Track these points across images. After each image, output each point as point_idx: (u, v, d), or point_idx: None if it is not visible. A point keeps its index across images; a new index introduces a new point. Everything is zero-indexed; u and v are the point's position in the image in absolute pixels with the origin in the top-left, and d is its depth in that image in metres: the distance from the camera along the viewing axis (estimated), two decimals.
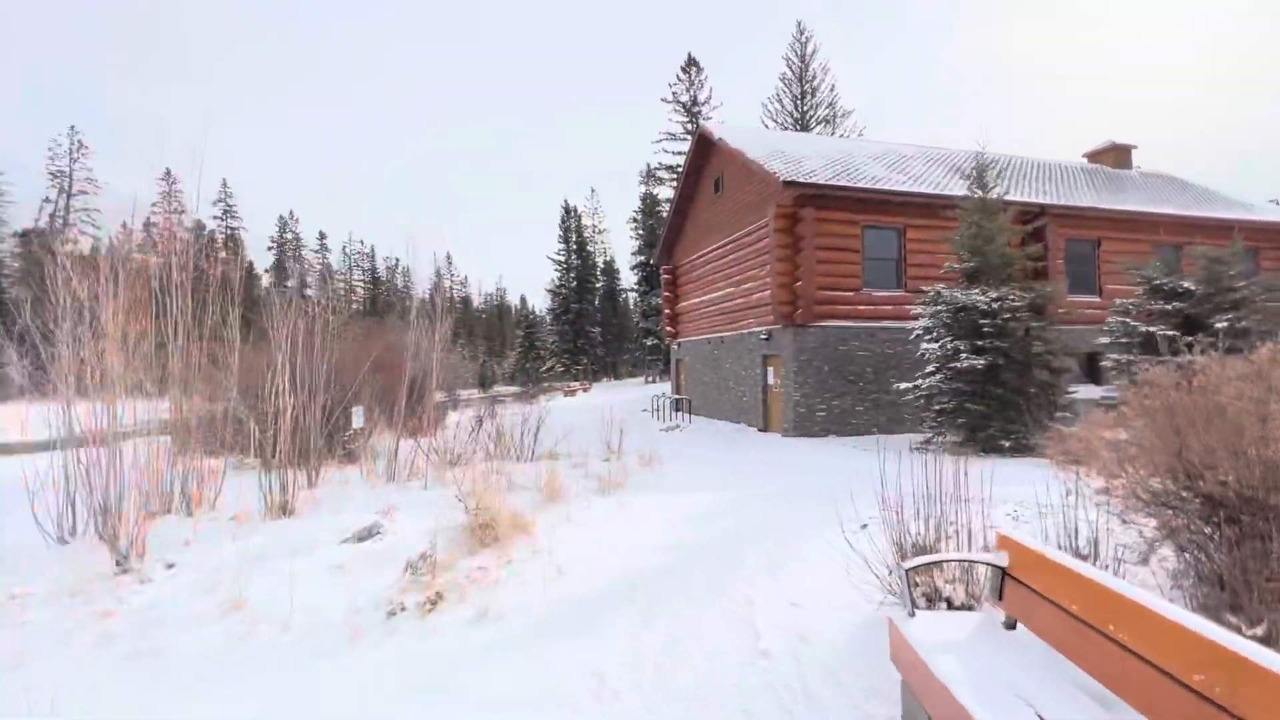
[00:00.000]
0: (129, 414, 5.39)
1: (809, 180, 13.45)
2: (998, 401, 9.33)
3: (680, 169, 20.30)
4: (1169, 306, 9.03)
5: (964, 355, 9.12)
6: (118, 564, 4.43)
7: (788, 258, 13.81)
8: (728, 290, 17.28)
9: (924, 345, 10.12)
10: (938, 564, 3.39)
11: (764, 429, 15.10)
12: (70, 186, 59.17)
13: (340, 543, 4.62)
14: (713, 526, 5.34)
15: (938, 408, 9.89)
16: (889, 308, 14.32)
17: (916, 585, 3.39)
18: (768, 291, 14.71)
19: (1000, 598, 2.75)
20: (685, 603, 3.89)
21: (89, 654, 3.51)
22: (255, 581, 4.08)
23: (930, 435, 10.70)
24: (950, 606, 3.36)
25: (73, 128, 59.59)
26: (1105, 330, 9.78)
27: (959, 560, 3.28)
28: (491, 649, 3.43)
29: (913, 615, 2.72)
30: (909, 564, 2.89)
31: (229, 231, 63.37)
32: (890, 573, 3.64)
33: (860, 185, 13.70)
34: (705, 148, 18.73)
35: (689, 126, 34.33)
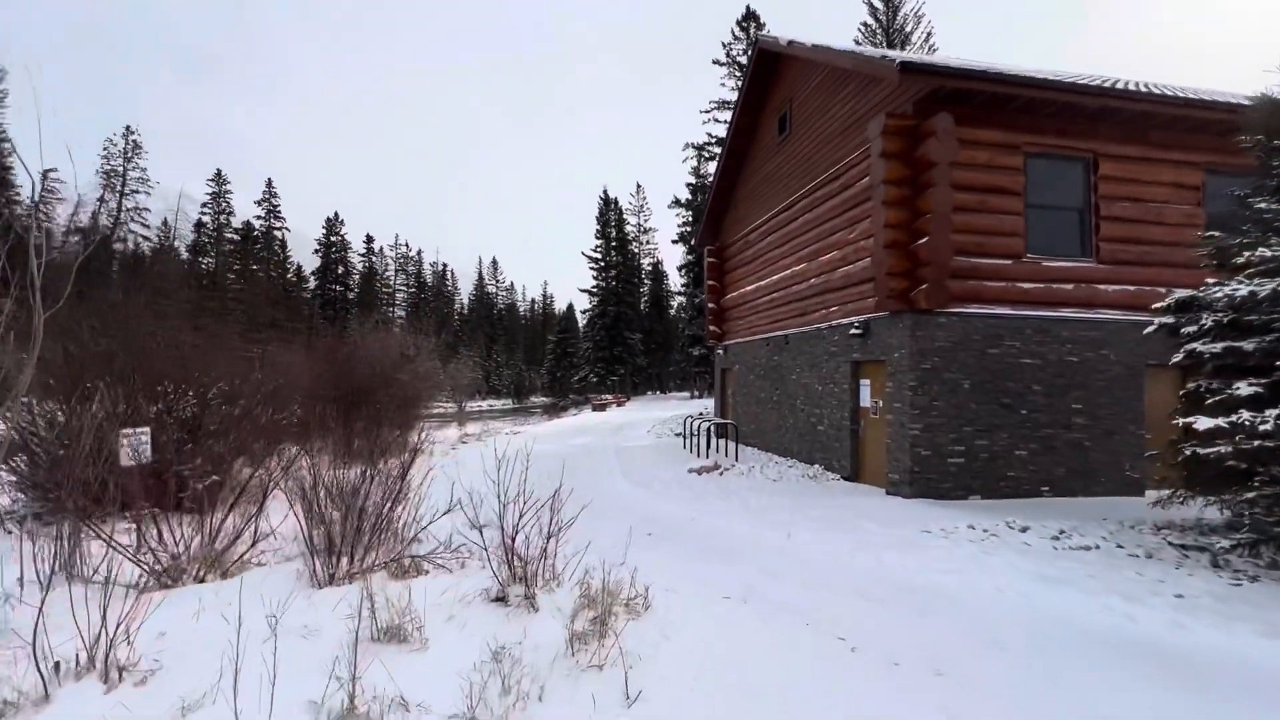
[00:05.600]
0: None
1: (944, 65, 8.04)
2: None
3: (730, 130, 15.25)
4: None
5: None
6: None
7: (903, 201, 8.39)
8: (797, 268, 11.93)
9: None
10: None
11: (853, 477, 9.62)
12: (123, 186, 59.40)
13: None
14: None
15: None
16: (1070, 287, 8.66)
17: None
18: (865, 261, 9.31)
19: None
20: None
21: None
22: None
23: (1246, 519, 5.06)
24: None
25: (128, 128, 60.03)
26: None
27: None
28: None
29: None
30: None
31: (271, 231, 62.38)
32: None
33: (1031, 75, 8.15)
34: (766, 73, 13.52)
35: None
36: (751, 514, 7.39)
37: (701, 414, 16.48)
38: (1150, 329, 6.81)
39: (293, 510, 4.00)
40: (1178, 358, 6.25)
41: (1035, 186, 8.72)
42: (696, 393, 39.14)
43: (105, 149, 58.70)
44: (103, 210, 56.59)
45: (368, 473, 4.12)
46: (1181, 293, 6.65)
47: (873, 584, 4.44)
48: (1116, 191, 8.88)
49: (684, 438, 14.53)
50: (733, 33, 29.55)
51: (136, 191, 59.29)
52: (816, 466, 10.48)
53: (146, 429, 5.92)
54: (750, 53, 13.73)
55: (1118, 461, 8.65)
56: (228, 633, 2.75)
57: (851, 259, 9.81)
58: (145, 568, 3.89)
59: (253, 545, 4.27)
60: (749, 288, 14.55)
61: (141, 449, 5.68)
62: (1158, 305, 6.78)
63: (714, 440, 13.56)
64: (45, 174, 54.08)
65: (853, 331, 9.43)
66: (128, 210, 58.83)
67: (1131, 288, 8.80)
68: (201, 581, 4.01)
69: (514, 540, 3.43)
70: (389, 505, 4.15)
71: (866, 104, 9.54)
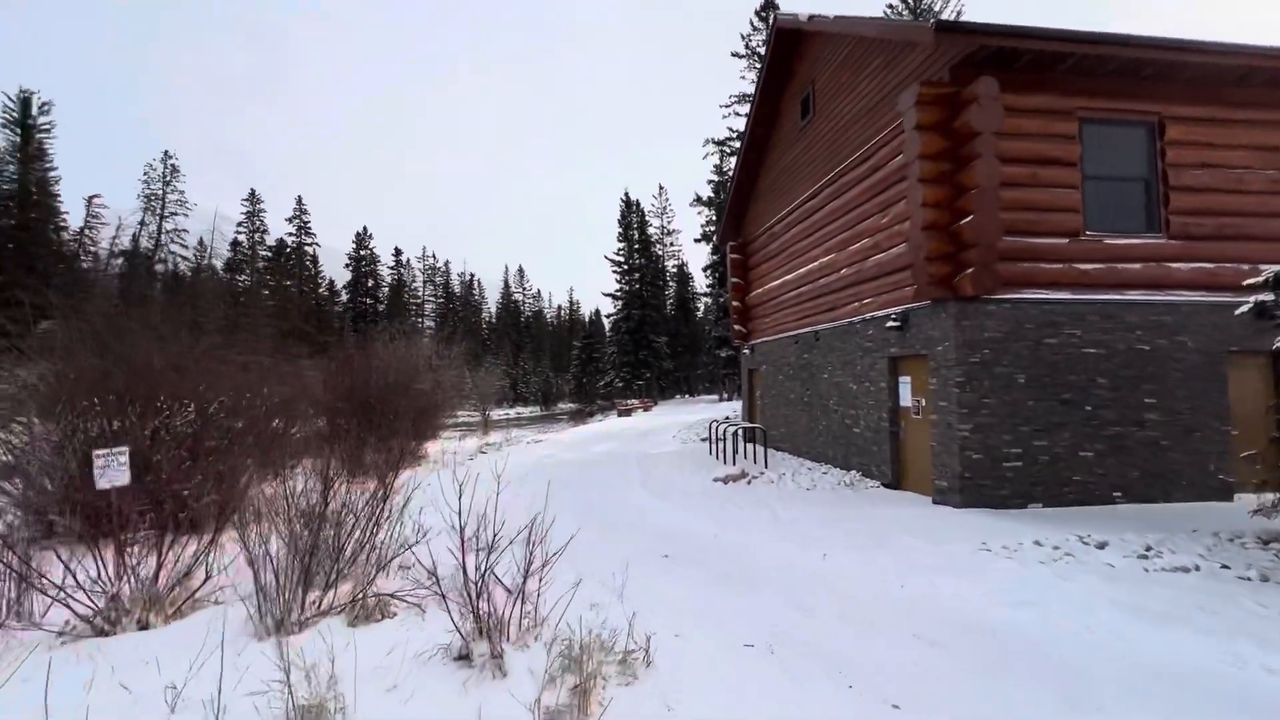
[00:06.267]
0: None
1: (985, 25, 7.22)
2: None
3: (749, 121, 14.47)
4: None
5: None
6: None
7: (942, 177, 7.57)
8: (825, 259, 11.13)
9: None
10: None
11: (894, 484, 8.78)
12: (163, 209, 61.36)
13: None
14: None
15: None
16: (1137, 267, 7.71)
17: None
18: (900, 246, 8.51)
19: None
20: None
21: None
22: None
23: None
24: None
25: (166, 152, 62.08)
26: None
27: None
28: None
29: None
30: None
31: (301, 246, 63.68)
32: None
33: (1084, 31, 7.26)
34: (785, 56, 12.79)
35: None
36: (781, 528, 6.65)
37: (728, 418, 15.76)
38: (1244, 309, 5.89)
39: (242, 545, 3.47)
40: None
41: (1093, 156, 7.80)
42: (725, 395, 38.31)
43: (145, 174, 60.76)
44: (143, 233, 58.45)
45: (327, 496, 3.57)
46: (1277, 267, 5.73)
47: (928, 621, 3.68)
48: (1187, 158, 7.90)
49: (710, 443, 13.80)
50: (751, 23, 28.73)
51: (175, 214, 61.16)
52: (853, 473, 9.65)
53: (124, 449, 5.48)
54: (769, 37, 12.99)
55: (1200, 462, 7.64)
56: (123, 708, 2.20)
57: (885, 245, 9.00)
58: (78, 609, 3.39)
59: (206, 580, 3.75)
60: (774, 283, 13.78)
61: (118, 470, 5.28)
62: (1250, 282, 5.86)
63: (741, 445, 12.80)
64: (90, 200, 56.26)
65: (889, 324, 8.61)
66: (167, 232, 60.71)
67: (1209, 265, 7.80)
68: (144, 627, 3.50)
69: (480, 584, 2.80)
70: (360, 532, 3.58)
71: (897, 76, 8.74)
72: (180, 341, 9.37)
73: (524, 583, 2.93)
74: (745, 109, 30.08)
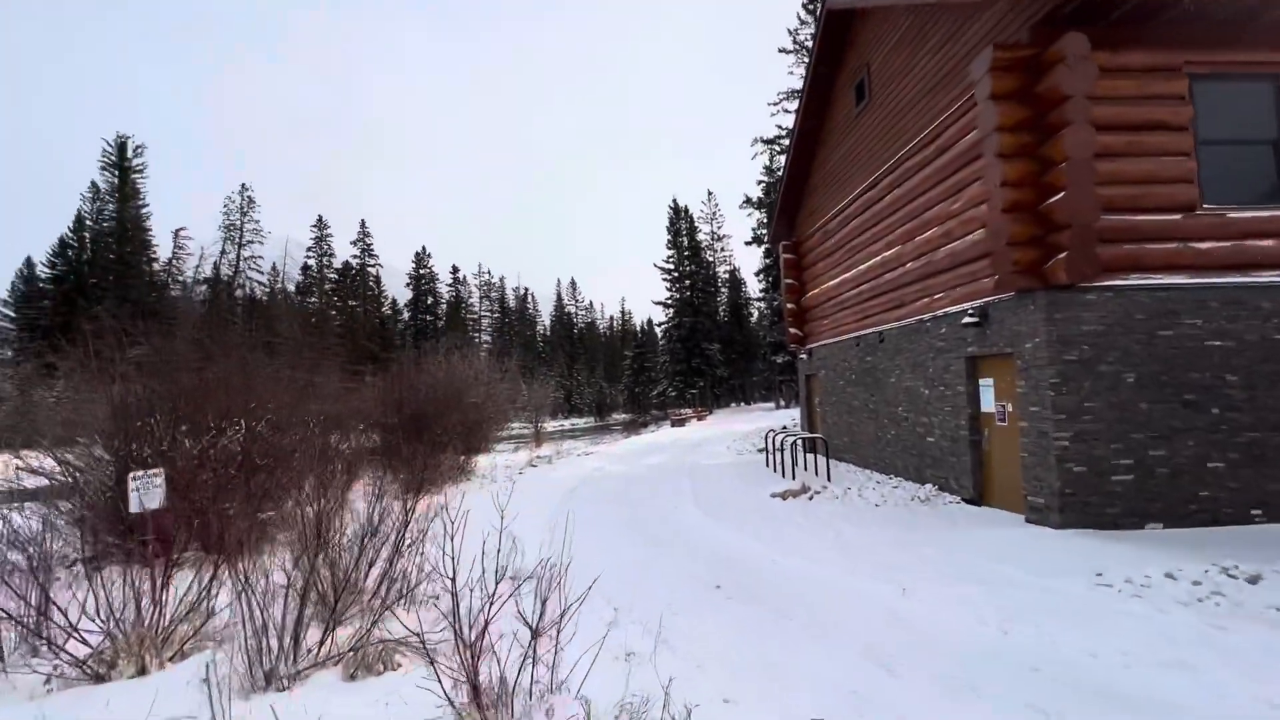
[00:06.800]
0: None
1: None
2: None
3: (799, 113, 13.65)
4: None
5: None
6: None
7: (1025, 150, 6.67)
8: (889, 253, 10.24)
9: None
10: None
11: (977, 500, 7.81)
12: (241, 238, 65.51)
13: None
14: None
15: None
16: (1269, 244, 6.57)
17: None
18: (977, 233, 7.62)
19: None
20: None
21: None
22: None
23: None
24: None
25: (244, 185, 66.32)
26: None
27: None
28: None
29: None
30: None
31: (365, 268, 66.49)
32: None
33: None
34: (836, 42, 11.99)
35: None
36: (850, 554, 5.90)
37: (785, 427, 14.91)
38: None
39: (231, 584, 3.14)
40: None
41: (1208, 117, 6.71)
42: (782, 402, 37.08)
43: (225, 205, 65.05)
44: (223, 261, 62.40)
45: (321, 529, 3.19)
46: None
47: (1048, 687, 2.93)
48: None
49: (766, 454, 13.01)
50: (799, 16, 27.79)
51: (251, 241, 65.08)
52: (928, 486, 8.70)
53: (160, 470, 5.36)
54: (818, 26, 12.24)
55: None
56: None
57: (958, 233, 8.10)
58: (77, 652, 3.12)
59: (210, 617, 3.45)
60: (831, 283, 12.91)
61: (153, 492, 5.15)
62: None
63: (801, 456, 11.96)
64: (176, 233, 60.67)
65: (966, 320, 7.69)
66: (245, 260, 64.69)
67: None
68: (143, 670, 3.20)
69: (479, 643, 2.30)
70: (369, 566, 3.18)
71: (964, 46, 7.89)
72: (239, 362, 9.46)
73: (532, 643, 2.41)
74: (794, 105, 29.13)
